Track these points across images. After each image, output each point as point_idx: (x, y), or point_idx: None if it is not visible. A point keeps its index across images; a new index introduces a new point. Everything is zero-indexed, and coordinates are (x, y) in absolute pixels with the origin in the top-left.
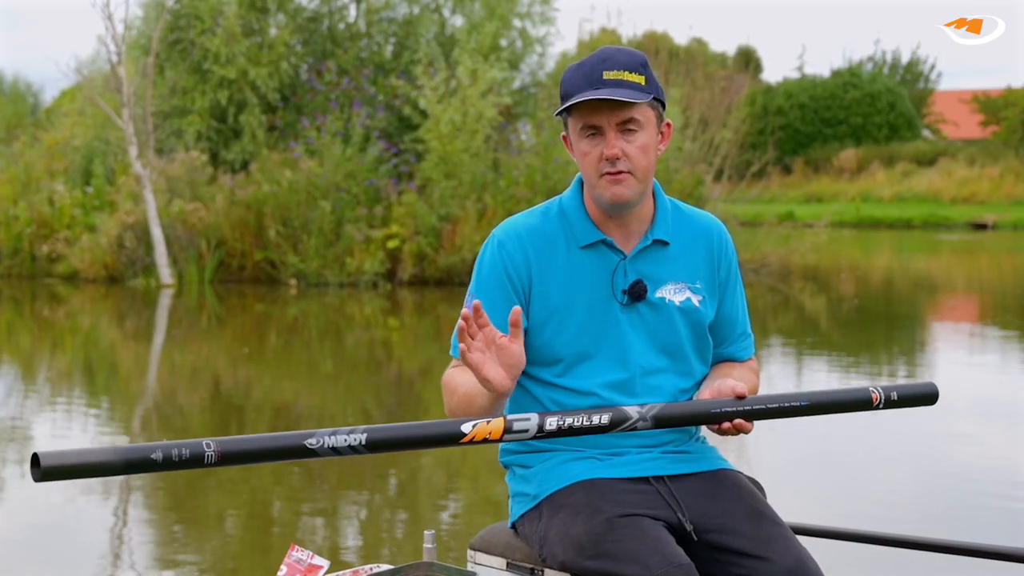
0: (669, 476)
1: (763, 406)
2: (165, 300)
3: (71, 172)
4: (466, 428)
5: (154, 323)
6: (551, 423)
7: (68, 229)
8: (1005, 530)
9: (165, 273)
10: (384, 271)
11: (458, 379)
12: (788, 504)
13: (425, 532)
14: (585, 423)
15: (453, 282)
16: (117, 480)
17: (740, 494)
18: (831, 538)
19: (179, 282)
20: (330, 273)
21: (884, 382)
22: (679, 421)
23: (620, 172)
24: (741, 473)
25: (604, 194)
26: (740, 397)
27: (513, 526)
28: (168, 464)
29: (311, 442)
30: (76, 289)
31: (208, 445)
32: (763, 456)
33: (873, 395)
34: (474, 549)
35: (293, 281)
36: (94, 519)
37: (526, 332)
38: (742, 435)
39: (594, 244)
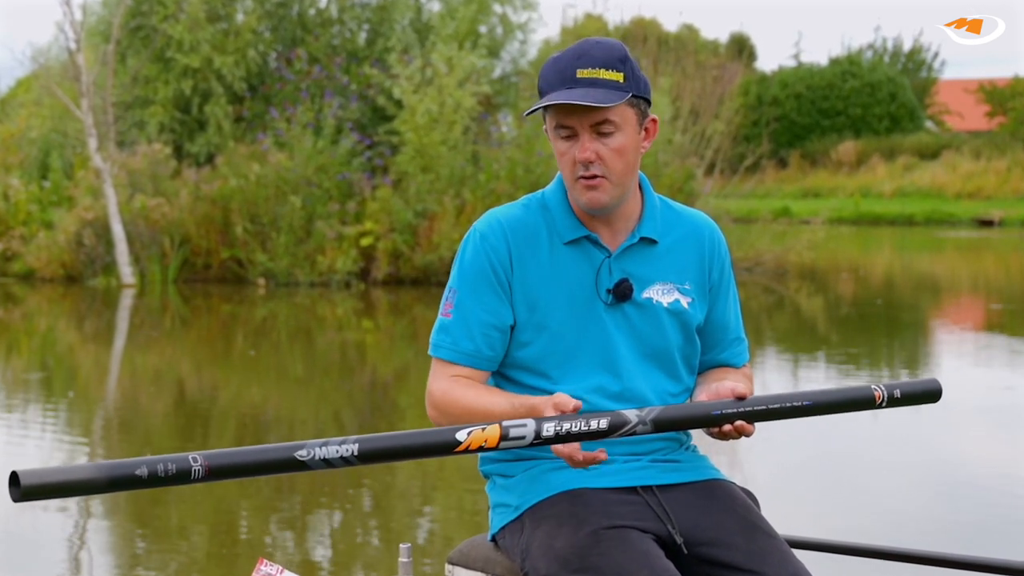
0: (658, 486)
1: (765, 406)
2: (126, 300)
3: (27, 166)
4: (461, 436)
5: (115, 325)
6: (548, 428)
7: (24, 226)
8: (1012, 543)
9: (126, 272)
10: (357, 270)
11: (481, 399)
12: (783, 516)
13: (401, 545)
14: (583, 428)
15: (430, 281)
16: None
17: (733, 505)
18: (828, 552)
19: (141, 282)
20: (300, 272)
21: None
22: (679, 424)
23: (595, 177)
24: (734, 483)
25: (580, 198)
26: (740, 398)
27: (493, 539)
28: (154, 480)
29: (301, 454)
30: (32, 289)
31: (195, 459)
32: (757, 466)
33: (876, 393)
34: (452, 563)
35: (261, 280)
36: (52, 531)
37: (511, 330)
38: (735, 443)
39: (578, 240)
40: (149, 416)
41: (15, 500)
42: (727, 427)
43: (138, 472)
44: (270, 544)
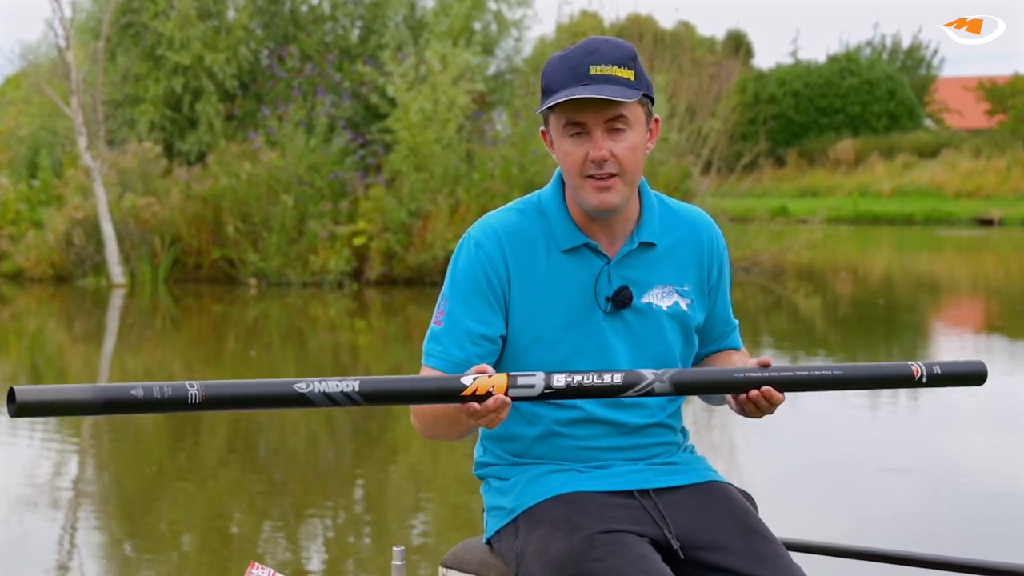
0: (655, 489)
1: (791, 374)
2: (116, 301)
3: (16, 164)
4: (467, 381)
5: (105, 325)
6: (559, 380)
7: (13, 225)
8: (1012, 545)
9: (116, 272)
10: (350, 270)
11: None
12: (781, 519)
13: (394, 548)
14: (596, 382)
15: (424, 282)
16: (65, 490)
17: (730, 508)
18: (827, 555)
19: (131, 282)
20: (292, 272)
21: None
22: (700, 387)
23: (607, 176)
24: (732, 485)
25: (590, 200)
26: (765, 365)
27: (488, 542)
28: (149, 404)
29: (301, 387)
30: (21, 289)
31: (192, 386)
32: (755, 468)
33: (914, 369)
34: (446, 566)
35: (253, 281)
36: (40, 534)
37: (502, 340)
38: (732, 443)
39: (577, 248)
40: (139, 417)
41: (11, 415)
42: (754, 393)
43: (133, 393)
44: (262, 547)
